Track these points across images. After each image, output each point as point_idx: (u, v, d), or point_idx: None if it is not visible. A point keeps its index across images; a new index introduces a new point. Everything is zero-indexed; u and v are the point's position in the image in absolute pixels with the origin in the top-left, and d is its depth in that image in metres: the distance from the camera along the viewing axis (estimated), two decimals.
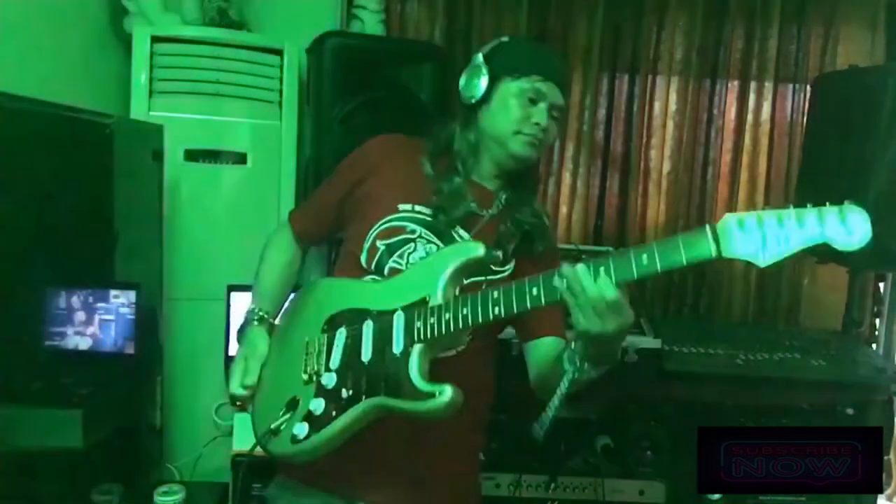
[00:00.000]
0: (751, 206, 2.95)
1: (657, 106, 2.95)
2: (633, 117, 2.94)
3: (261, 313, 1.46)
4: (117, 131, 2.06)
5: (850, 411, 2.28)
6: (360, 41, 2.58)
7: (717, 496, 2.26)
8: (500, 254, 1.38)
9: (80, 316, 2.02)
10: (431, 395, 1.19)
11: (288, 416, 1.28)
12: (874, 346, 2.87)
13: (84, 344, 2.02)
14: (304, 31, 2.59)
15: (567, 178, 2.96)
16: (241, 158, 2.55)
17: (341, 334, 1.32)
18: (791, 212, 1.01)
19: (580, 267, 1.10)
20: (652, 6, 2.88)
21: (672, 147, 2.95)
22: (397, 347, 1.25)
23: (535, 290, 1.14)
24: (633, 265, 1.06)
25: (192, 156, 2.50)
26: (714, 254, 1.01)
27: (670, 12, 2.89)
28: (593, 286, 1.07)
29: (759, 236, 1.01)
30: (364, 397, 1.24)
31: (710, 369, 2.22)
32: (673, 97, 2.93)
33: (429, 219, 1.39)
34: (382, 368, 1.25)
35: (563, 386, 1.18)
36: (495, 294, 1.17)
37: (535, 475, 2.24)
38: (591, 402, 2.53)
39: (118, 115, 2.29)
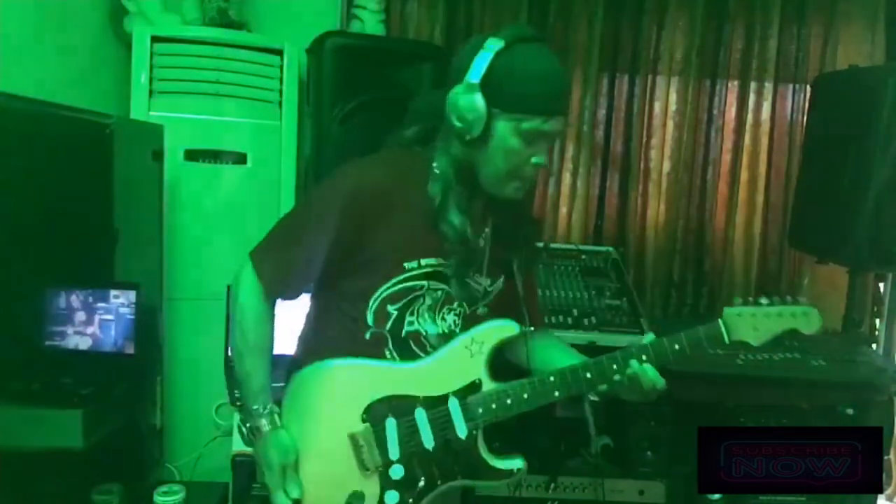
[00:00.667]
0: (751, 206, 2.96)
1: (657, 106, 2.95)
2: (633, 117, 2.94)
3: (271, 413, 1.33)
4: (117, 131, 2.06)
5: (850, 411, 2.28)
6: (360, 41, 2.58)
7: (717, 496, 2.25)
8: (532, 329, 1.44)
9: (80, 316, 2.02)
10: (511, 472, 1.37)
11: None
12: (874, 346, 2.87)
13: (84, 344, 2.02)
14: (304, 31, 2.59)
15: (567, 178, 2.96)
16: (241, 158, 2.55)
17: (392, 425, 1.34)
18: (773, 309, 1.35)
19: (634, 364, 1.33)
20: (652, 6, 2.88)
21: (672, 147, 2.95)
22: (461, 432, 1.34)
23: (589, 375, 1.35)
24: (670, 353, 1.35)
25: (192, 156, 2.50)
26: (727, 340, 1.34)
27: (670, 12, 2.88)
28: (648, 380, 1.32)
29: (752, 324, 1.34)
30: (440, 482, 1.35)
31: (710, 369, 2.22)
32: (673, 97, 2.93)
33: (434, 269, 1.34)
34: (451, 454, 1.34)
35: (590, 415, 1.54)
36: (552, 379, 1.35)
37: (535, 475, 2.24)
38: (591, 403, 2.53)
39: (118, 115, 2.29)
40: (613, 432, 2.38)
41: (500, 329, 1.38)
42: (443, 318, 1.38)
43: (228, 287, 2.25)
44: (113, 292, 2.03)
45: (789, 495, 2.26)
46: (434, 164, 1.32)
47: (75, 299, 2.02)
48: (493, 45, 1.23)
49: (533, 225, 1.51)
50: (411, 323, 1.36)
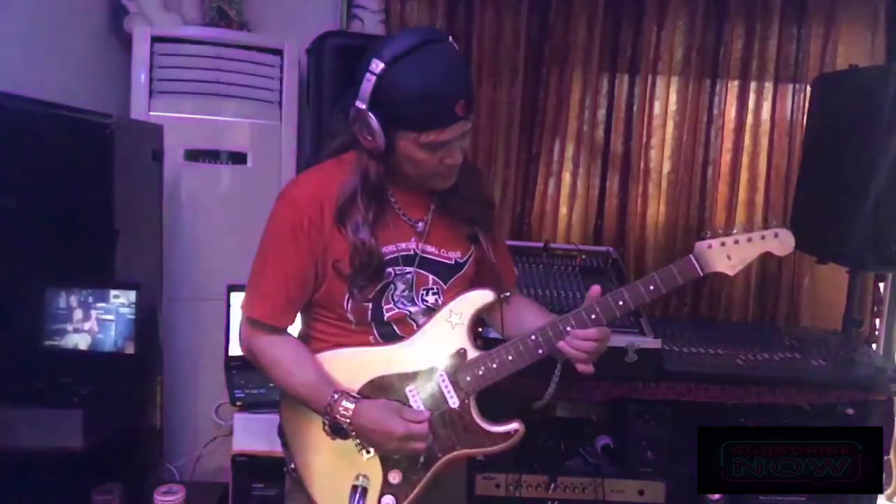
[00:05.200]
0: (751, 206, 2.96)
1: (657, 106, 2.95)
2: (633, 117, 2.94)
3: (342, 395, 1.32)
4: (117, 131, 2.06)
5: (850, 411, 2.28)
6: (360, 41, 2.58)
7: (717, 496, 2.26)
8: (508, 294, 1.47)
9: (80, 316, 2.02)
10: (508, 434, 1.38)
11: (360, 494, 1.29)
12: (874, 346, 2.87)
13: (84, 344, 2.02)
14: (304, 31, 2.59)
15: (567, 178, 2.96)
16: (241, 158, 2.55)
17: None
18: (744, 235, 1.36)
19: (612, 310, 1.36)
20: (652, 6, 2.88)
21: (672, 147, 2.95)
22: (453, 402, 1.37)
23: (570, 329, 1.36)
24: (646, 294, 1.37)
25: (192, 156, 2.50)
26: (701, 273, 1.36)
27: (670, 12, 2.88)
28: None
29: (724, 254, 1.36)
30: (441, 455, 1.37)
31: (710, 369, 2.22)
32: (673, 97, 2.93)
33: (395, 256, 1.37)
34: (447, 425, 1.37)
35: (556, 375, 1.43)
36: (533, 337, 1.37)
37: (535, 475, 2.24)
38: (591, 403, 2.54)
39: (118, 115, 2.29)
40: (613, 432, 2.38)
41: (476, 298, 1.41)
42: (423, 299, 1.41)
43: (228, 287, 2.29)
44: (113, 292, 2.03)
45: (789, 495, 2.27)
46: (342, 177, 1.34)
47: (75, 299, 2.02)
48: (375, 68, 1.23)
49: (480, 192, 1.47)
50: (390, 309, 1.38)
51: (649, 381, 2.19)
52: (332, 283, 1.35)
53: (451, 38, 1.29)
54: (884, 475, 2.53)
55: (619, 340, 2.11)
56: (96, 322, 2.02)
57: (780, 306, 2.94)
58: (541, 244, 2.58)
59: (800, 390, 2.25)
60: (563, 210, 2.96)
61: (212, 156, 2.53)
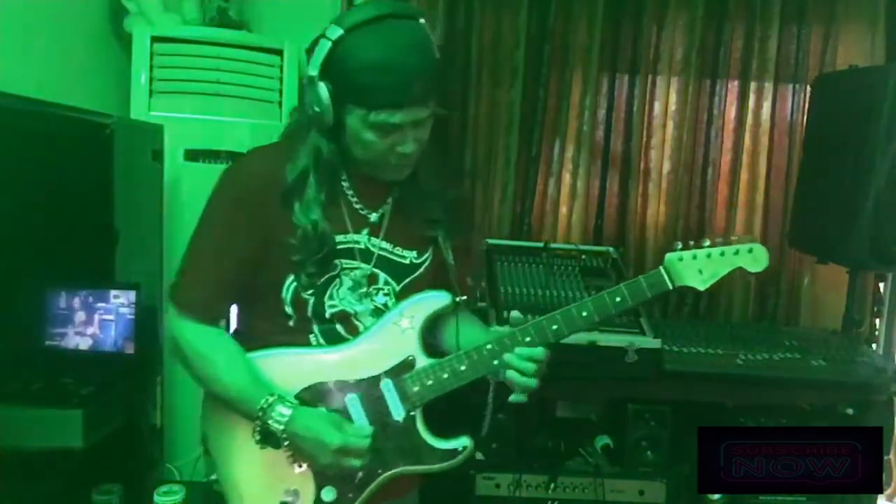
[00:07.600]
0: (751, 206, 2.96)
1: (657, 106, 2.94)
2: (633, 117, 2.94)
3: (279, 399, 1.21)
4: (117, 131, 2.06)
5: (850, 411, 2.28)
6: None
7: (717, 496, 2.26)
8: (465, 298, 1.34)
9: (81, 316, 2.02)
10: (455, 452, 1.28)
11: None
12: (874, 346, 2.87)
13: (84, 344, 2.02)
14: (304, 31, 2.58)
15: (567, 178, 2.96)
16: None
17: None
18: (717, 248, 1.28)
19: (576, 323, 1.29)
20: (652, 6, 2.87)
21: (672, 147, 2.94)
22: (398, 415, 1.26)
23: (528, 339, 1.27)
24: (612, 306, 1.28)
25: (192, 156, 2.50)
26: (670, 286, 1.28)
27: (670, 12, 2.88)
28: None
29: (696, 268, 1.28)
30: (381, 471, 1.25)
31: (710, 369, 2.22)
32: (673, 97, 2.93)
33: (343, 246, 1.27)
34: (390, 439, 1.25)
35: (490, 397, 1.35)
36: (490, 346, 1.26)
37: (535, 475, 2.24)
38: (591, 403, 2.54)
39: (118, 115, 2.29)
40: (613, 432, 2.38)
41: (431, 300, 1.31)
42: (371, 299, 1.31)
43: None
44: (113, 292, 2.03)
45: (789, 495, 2.27)
46: (293, 155, 1.25)
47: (75, 299, 2.02)
48: (332, 34, 1.14)
49: (450, 192, 1.37)
50: (334, 306, 1.28)
51: (649, 381, 2.19)
52: (274, 268, 1.25)
53: (424, 19, 1.19)
54: (884, 475, 2.53)
55: (619, 340, 2.11)
56: (97, 322, 2.02)
57: (780, 306, 2.94)
58: (541, 244, 2.58)
59: (800, 390, 2.25)
60: (563, 210, 2.96)
61: (212, 156, 2.53)
